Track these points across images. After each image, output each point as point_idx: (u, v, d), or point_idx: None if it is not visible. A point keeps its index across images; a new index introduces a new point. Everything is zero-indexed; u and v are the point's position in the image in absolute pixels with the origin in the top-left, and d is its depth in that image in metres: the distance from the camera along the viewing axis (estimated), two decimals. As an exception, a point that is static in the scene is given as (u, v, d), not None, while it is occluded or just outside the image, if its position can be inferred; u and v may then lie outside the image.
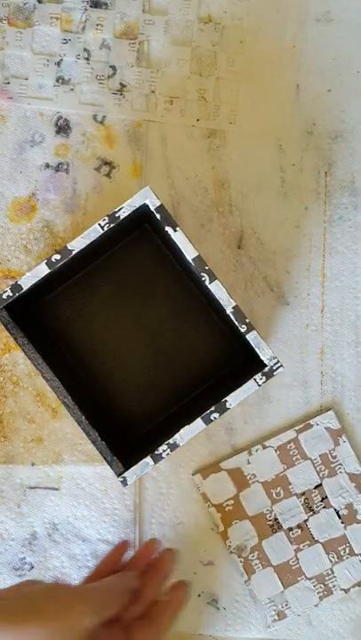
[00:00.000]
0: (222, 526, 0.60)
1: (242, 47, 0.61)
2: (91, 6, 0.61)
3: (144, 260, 0.59)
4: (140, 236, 0.59)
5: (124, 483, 0.51)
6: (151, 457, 0.51)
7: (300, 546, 0.60)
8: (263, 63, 0.61)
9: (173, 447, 0.51)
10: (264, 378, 0.51)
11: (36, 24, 0.61)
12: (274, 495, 0.60)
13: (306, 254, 0.61)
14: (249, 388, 0.51)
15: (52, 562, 0.60)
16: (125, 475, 0.51)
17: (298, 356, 0.61)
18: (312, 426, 0.60)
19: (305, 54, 0.61)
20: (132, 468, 0.51)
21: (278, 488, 0.60)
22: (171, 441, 0.51)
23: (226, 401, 0.51)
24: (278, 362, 0.51)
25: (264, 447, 0.60)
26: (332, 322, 0.61)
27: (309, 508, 0.60)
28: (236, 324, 0.51)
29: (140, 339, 0.59)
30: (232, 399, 0.51)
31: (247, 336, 0.51)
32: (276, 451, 0.60)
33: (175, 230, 0.51)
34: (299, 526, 0.60)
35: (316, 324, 0.61)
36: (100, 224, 0.51)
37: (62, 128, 0.61)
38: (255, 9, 0.61)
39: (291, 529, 0.60)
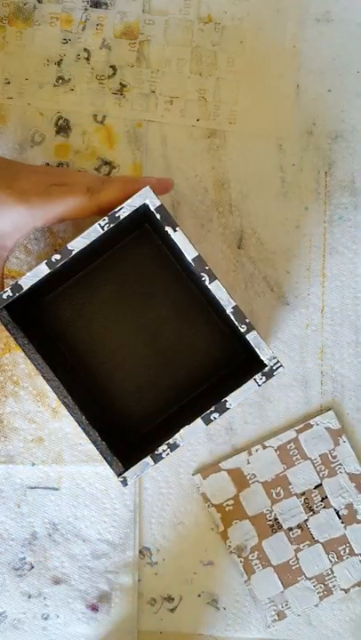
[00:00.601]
0: (222, 526, 0.60)
1: (242, 47, 0.61)
2: (91, 6, 0.61)
3: (144, 259, 0.59)
4: (140, 235, 0.59)
5: (124, 483, 0.51)
6: (151, 457, 0.51)
7: (300, 546, 0.60)
8: (263, 63, 0.61)
9: (173, 447, 0.51)
10: (264, 378, 0.51)
11: (35, 24, 0.61)
12: (274, 495, 0.60)
13: (306, 254, 0.61)
14: (249, 387, 0.51)
15: (52, 562, 0.60)
16: (125, 475, 0.51)
17: (298, 355, 0.61)
18: (312, 426, 0.60)
19: (305, 54, 0.61)
20: (132, 468, 0.51)
21: (278, 488, 0.60)
22: (171, 441, 0.51)
23: (226, 401, 0.51)
24: (278, 362, 0.51)
25: (264, 447, 0.60)
26: (333, 322, 0.61)
27: (309, 508, 0.60)
28: (236, 324, 0.51)
29: (140, 339, 0.59)
30: (232, 399, 0.51)
31: (247, 336, 0.51)
32: (276, 451, 0.60)
33: (175, 230, 0.51)
34: (299, 526, 0.60)
35: (316, 324, 0.61)
36: (100, 224, 0.51)
37: (62, 128, 0.61)
38: (255, 9, 0.61)
39: (291, 529, 0.60)
